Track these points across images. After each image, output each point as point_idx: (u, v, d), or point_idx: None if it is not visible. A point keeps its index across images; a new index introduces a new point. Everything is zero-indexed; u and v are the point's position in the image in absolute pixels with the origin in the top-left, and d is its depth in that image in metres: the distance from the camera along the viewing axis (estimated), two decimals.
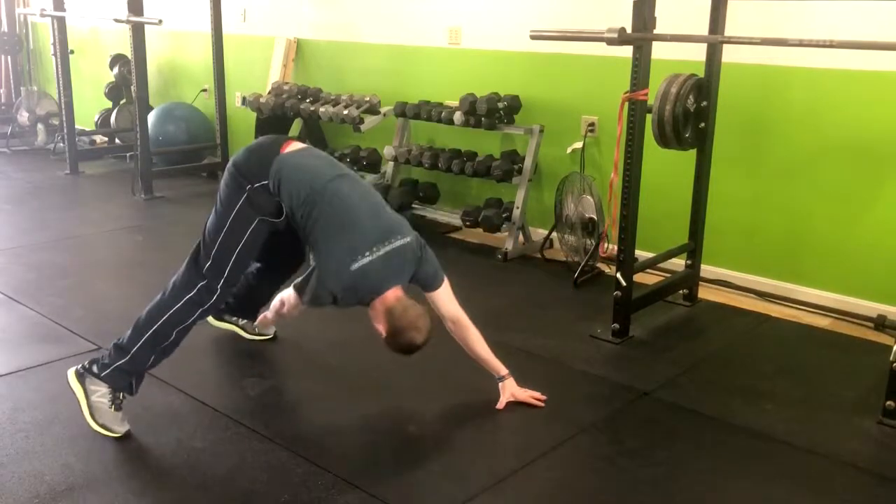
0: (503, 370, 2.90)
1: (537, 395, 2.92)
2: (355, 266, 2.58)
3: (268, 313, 3.17)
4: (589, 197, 4.35)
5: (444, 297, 2.83)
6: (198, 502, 2.34)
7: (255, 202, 2.68)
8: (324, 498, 2.35)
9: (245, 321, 3.39)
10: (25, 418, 2.74)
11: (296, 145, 2.78)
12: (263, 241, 2.76)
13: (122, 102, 7.26)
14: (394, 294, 2.65)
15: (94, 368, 2.66)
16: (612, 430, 2.80)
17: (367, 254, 2.59)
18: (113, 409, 2.64)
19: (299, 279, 2.84)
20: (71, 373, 2.70)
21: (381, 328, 2.67)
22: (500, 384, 2.90)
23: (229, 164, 2.79)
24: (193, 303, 2.69)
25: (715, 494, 2.45)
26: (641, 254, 3.83)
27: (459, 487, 2.39)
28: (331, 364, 3.25)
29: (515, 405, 2.88)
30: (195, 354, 3.16)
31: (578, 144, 4.62)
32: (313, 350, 3.39)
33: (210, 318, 3.34)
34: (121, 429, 2.63)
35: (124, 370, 2.65)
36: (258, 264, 3.13)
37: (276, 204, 2.68)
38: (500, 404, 2.87)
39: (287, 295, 2.93)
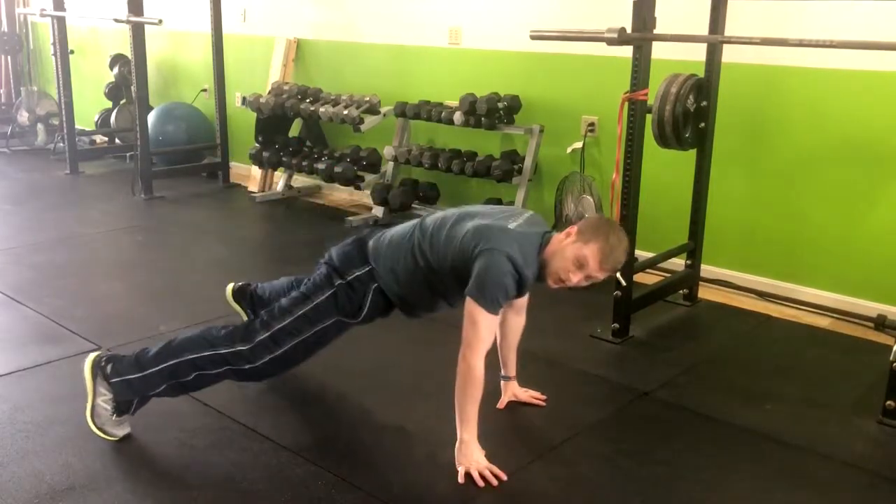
0: (514, 371, 2.90)
1: (538, 394, 2.92)
2: (512, 225, 2.46)
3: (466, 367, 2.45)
4: (589, 197, 4.35)
5: None
6: (198, 502, 2.34)
7: (340, 298, 2.58)
8: (324, 498, 2.35)
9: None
10: (25, 418, 2.74)
11: None
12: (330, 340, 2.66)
13: (122, 102, 7.26)
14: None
15: (108, 369, 2.58)
16: (612, 430, 2.80)
17: (513, 221, 2.49)
18: (114, 417, 2.59)
19: (469, 291, 2.40)
20: (88, 361, 2.59)
21: (571, 237, 2.45)
22: (504, 383, 2.90)
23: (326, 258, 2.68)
24: (224, 360, 2.56)
25: (715, 494, 2.45)
26: (641, 254, 3.83)
27: (460, 487, 2.39)
28: (331, 364, 3.25)
29: (516, 405, 2.89)
30: None
31: (578, 144, 4.62)
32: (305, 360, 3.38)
33: (228, 291, 3.24)
34: (119, 433, 2.60)
35: (132, 385, 2.57)
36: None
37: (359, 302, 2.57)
38: (501, 404, 2.87)
39: (470, 317, 2.40)
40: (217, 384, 2.66)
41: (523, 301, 2.76)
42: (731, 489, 2.48)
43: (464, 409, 2.42)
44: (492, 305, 2.38)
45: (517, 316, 2.80)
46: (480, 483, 2.39)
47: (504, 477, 2.42)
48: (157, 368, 2.56)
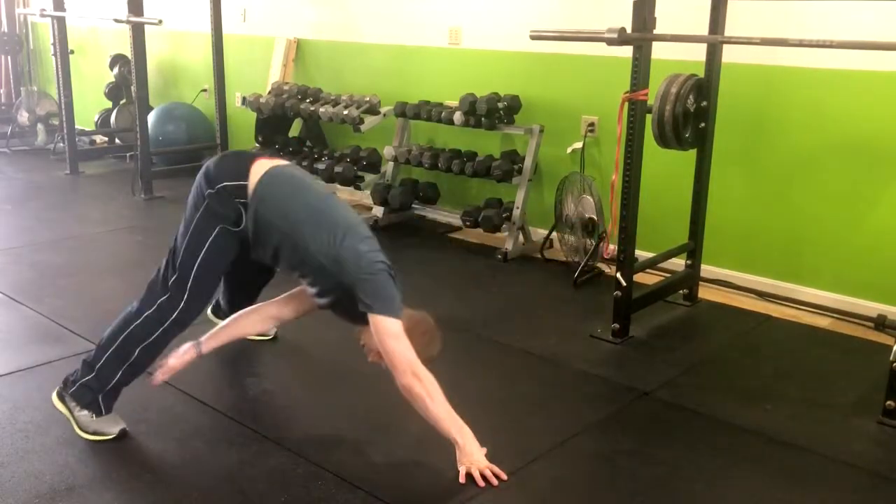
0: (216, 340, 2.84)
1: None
2: (379, 257, 2.55)
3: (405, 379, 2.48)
4: (589, 197, 4.35)
5: None
6: (198, 502, 2.34)
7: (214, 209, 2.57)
8: (324, 498, 2.35)
9: None
10: (25, 418, 2.74)
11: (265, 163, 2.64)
12: (230, 255, 2.64)
13: (121, 102, 7.27)
14: None
15: (67, 384, 2.65)
16: (612, 430, 2.80)
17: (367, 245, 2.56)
18: (95, 417, 2.61)
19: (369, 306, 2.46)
20: (54, 396, 2.68)
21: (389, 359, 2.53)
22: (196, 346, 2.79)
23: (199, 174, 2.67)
24: (153, 320, 2.59)
25: (715, 494, 2.45)
26: (641, 254, 3.83)
27: (460, 487, 2.39)
28: (331, 364, 3.25)
29: (510, 405, 2.88)
30: None
31: (578, 144, 4.62)
32: (313, 350, 3.39)
33: (209, 314, 3.32)
34: (112, 430, 2.61)
35: (90, 387, 2.61)
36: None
37: (236, 211, 2.55)
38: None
39: (386, 332, 2.44)
40: (163, 349, 2.66)
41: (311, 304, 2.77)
42: (731, 489, 2.48)
43: (442, 415, 2.44)
44: (395, 309, 2.45)
45: (300, 306, 2.83)
46: (481, 483, 2.39)
47: (504, 476, 2.42)
48: (103, 361, 2.61)
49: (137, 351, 2.60)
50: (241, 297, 3.12)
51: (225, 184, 2.56)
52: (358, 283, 2.46)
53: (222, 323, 2.89)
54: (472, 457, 2.43)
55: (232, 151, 2.69)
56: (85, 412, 2.61)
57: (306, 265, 2.56)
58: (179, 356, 2.71)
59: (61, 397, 2.66)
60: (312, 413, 2.93)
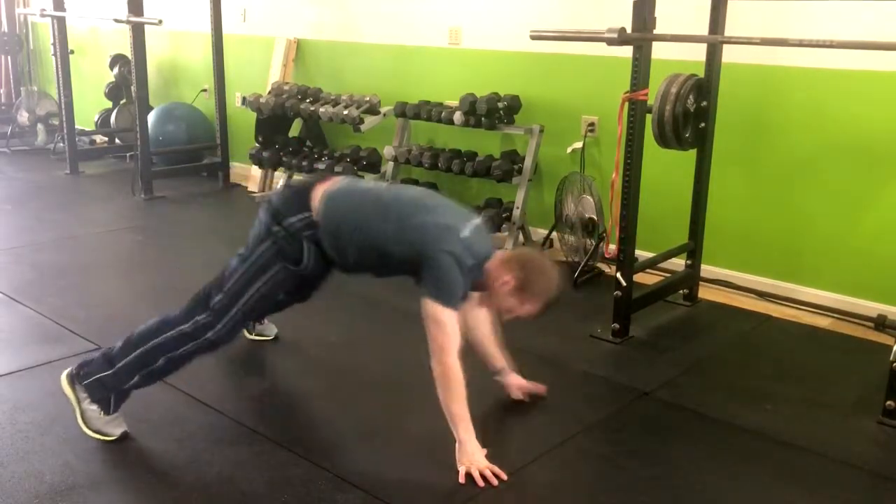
0: (503, 362, 2.88)
1: (535, 385, 2.93)
2: (466, 233, 2.48)
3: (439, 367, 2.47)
4: (589, 197, 4.35)
5: None
6: (198, 502, 2.34)
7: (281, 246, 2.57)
8: (324, 498, 2.34)
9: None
10: (25, 418, 2.74)
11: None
12: (281, 293, 2.67)
13: (122, 102, 7.26)
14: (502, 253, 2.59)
15: (81, 372, 2.61)
16: (612, 430, 2.80)
17: (465, 228, 2.50)
18: (104, 416, 2.60)
19: (426, 292, 2.42)
20: (63, 377, 2.64)
21: (508, 287, 2.50)
22: (505, 378, 2.88)
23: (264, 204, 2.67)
24: (187, 336, 2.58)
25: (715, 494, 2.45)
26: (641, 254, 3.83)
27: (460, 487, 2.39)
28: (331, 364, 3.25)
29: (515, 405, 2.88)
30: None
31: (578, 144, 4.62)
32: (314, 350, 3.39)
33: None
34: (116, 431, 2.60)
35: (104, 383, 2.59)
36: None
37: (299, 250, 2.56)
38: (518, 394, 2.88)
39: (434, 318, 2.41)
40: (186, 364, 2.65)
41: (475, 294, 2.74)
42: (731, 489, 2.47)
43: (454, 410, 2.43)
44: (452, 301, 2.41)
45: (476, 308, 2.78)
46: (480, 483, 2.39)
47: (504, 476, 2.42)
48: (125, 361, 2.58)
49: (162, 360, 2.59)
50: (267, 311, 3.11)
51: (291, 220, 2.55)
52: (422, 260, 2.43)
53: (483, 345, 2.85)
54: (473, 456, 2.43)
55: (292, 185, 2.69)
56: (94, 407, 2.59)
57: (394, 261, 2.52)
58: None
59: (72, 382, 2.62)
60: (312, 413, 2.93)
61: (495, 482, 2.39)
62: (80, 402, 2.61)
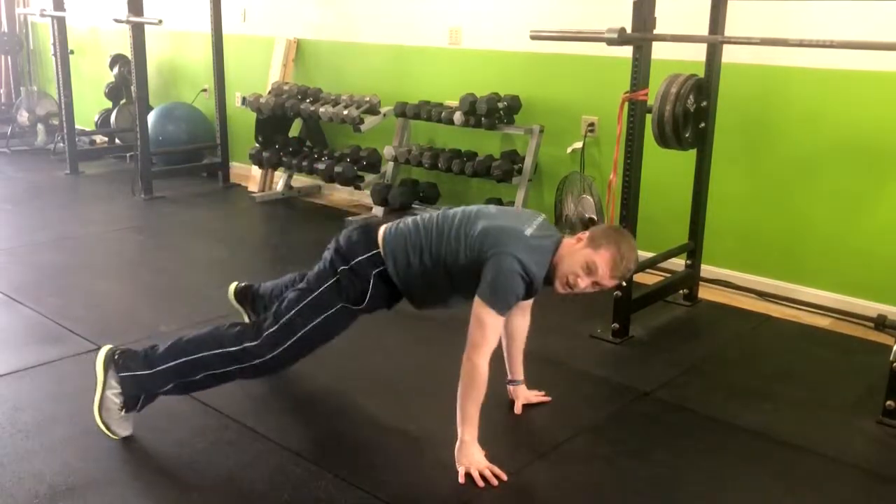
0: (521, 374, 2.91)
1: (542, 394, 2.95)
2: (528, 231, 2.46)
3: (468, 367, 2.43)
4: (589, 197, 4.35)
5: None
6: (198, 502, 2.34)
7: (343, 285, 2.56)
8: (324, 498, 2.34)
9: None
10: (25, 418, 2.73)
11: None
12: (338, 332, 2.65)
13: (122, 102, 7.26)
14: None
15: (120, 363, 2.57)
16: (613, 430, 2.80)
17: (528, 227, 2.48)
18: (122, 412, 2.58)
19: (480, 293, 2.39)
20: (102, 354, 2.58)
21: (582, 243, 2.47)
22: (514, 388, 2.90)
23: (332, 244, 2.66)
24: (233, 358, 2.57)
25: (715, 494, 2.45)
26: (641, 254, 3.80)
27: (460, 487, 2.39)
28: (332, 365, 3.25)
29: (510, 405, 2.88)
30: None
31: (578, 144, 4.62)
32: (315, 352, 3.38)
33: (231, 290, 3.28)
34: (121, 432, 2.59)
35: (140, 382, 2.57)
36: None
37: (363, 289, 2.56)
38: (518, 409, 2.87)
39: (478, 318, 2.39)
40: (224, 384, 2.65)
41: (528, 302, 2.77)
42: (731, 489, 2.47)
43: (466, 410, 2.43)
44: (501, 307, 2.40)
45: (522, 318, 2.81)
46: (480, 483, 2.38)
47: (504, 477, 2.42)
48: (165, 367, 2.57)
49: (202, 375, 2.59)
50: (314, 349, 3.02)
51: (360, 259, 2.56)
52: (485, 262, 2.41)
53: (512, 356, 2.87)
54: (472, 457, 2.43)
55: (358, 226, 2.68)
56: (119, 400, 2.56)
57: (461, 277, 2.50)
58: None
59: (107, 366, 2.56)
60: (312, 413, 2.93)
61: (495, 482, 2.39)
62: (105, 387, 2.56)
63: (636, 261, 2.57)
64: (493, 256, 2.40)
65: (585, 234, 2.51)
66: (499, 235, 2.44)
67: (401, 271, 2.56)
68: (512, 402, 2.89)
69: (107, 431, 2.58)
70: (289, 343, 2.57)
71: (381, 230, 2.63)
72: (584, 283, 2.48)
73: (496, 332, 2.43)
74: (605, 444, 2.71)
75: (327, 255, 2.64)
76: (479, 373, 2.39)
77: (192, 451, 2.58)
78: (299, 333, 2.57)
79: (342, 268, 2.57)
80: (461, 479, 2.40)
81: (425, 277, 2.56)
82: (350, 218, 5.27)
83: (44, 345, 3.33)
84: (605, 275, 2.46)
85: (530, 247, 2.44)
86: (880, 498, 2.47)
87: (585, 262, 2.45)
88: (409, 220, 2.67)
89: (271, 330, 2.57)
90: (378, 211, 5.26)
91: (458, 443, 2.45)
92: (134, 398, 2.58)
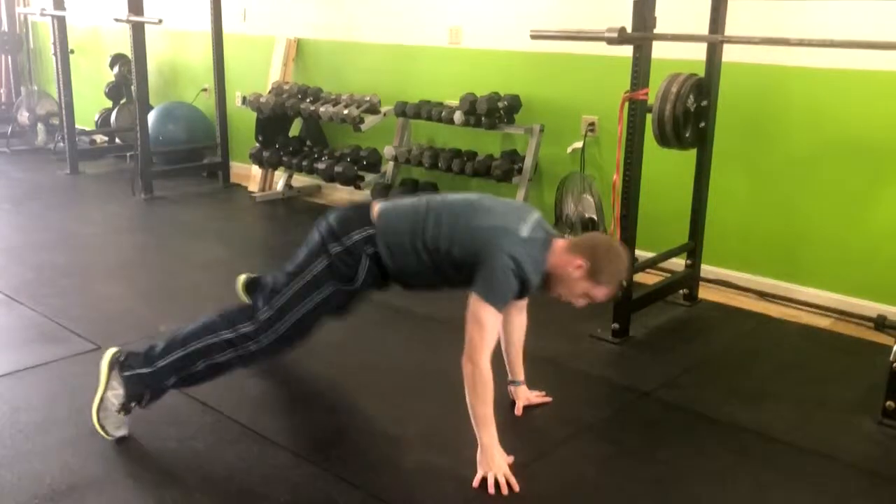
0: (522, 374, 2.90)
1: (542, 394, 2.94)
2: (525, 233, 2.45)
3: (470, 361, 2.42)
4: (589, 196, 4.35)
5: None
6: (198, 503, 2.34)
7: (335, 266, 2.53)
8: (324, 498, 2.34)
9: None
10: (25, 419, 2.73)
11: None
12: (332, 312, 2.63)
13: (122, 102, 7.26)
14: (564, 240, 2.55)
15: (125, 363, 2.59)
16: (613, 430, 2.80)
17: (524, 226, 2.47)
18: (120, 414, 2.58)
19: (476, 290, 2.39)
20: (108, 356, 2.60)
21: (581, 272, 2.46)
22: (515, 388, 2.89)
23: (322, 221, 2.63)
24: (230, 343, 2.56)
25: (715, 494, 2.45)
26: (641, 253, 3.82)
27: (460, 488, 2.39)
28: (331, 365, 3.25)
29: (510, 405, 2.88)
30: None
31: (578, 144, 4.62)
32: (314, 351, 3.38)
33: (240, 281, 3.30)
34: (115, 433, 2.59)
35: (142, 380, 2.57)
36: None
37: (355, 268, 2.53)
38: (518, 410, 2.86)
39: (475, 316, 2.38)
40: (226, 373, 2.64)
41: (524, 301, 2.77)
42: (731, 489, 2.47)
43: (479, 413, 2.40)
44: (498, 303, 2.39)
45: (519, 316, 2.81)
46: (492, 490, 2.36)
47: (517, 488, 2.37)
48: (165, 362, 2.57)
49: (202, 365, 2.58)
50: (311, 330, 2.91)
51: (353, 236, 2.53)
52: (479, 261, 2.41)
53: (511, 355, 2.86)
54: (494, 461, 2.40)
55: (349, 206, 2.69)
56: (117, 401, 2.56)
57: (451, 266, 2.49)
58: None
59: (111, 367, 2.58)
60: (312, 413, 2.92)
61: (505, 491, 2.36)
62: (107, 388, 2.57)
63: (628, 266, 2.59)
64: (488, 254, 2.40)
65: (585, 264, 2.46)
66: (494, 233, 2.44)
67: (394, 251, 2.53)
68: (513, 403, 2.89)
69: (101, 432, 2.58)
70: (284, 327, 2.55)
71: (377, 207, 2.59)
72: (580, 304, 2.56)
73: (495, 329, 2.42)
74: (605, 444, 2.71)
75: (317, 235, 2.60)
76: (482, 373, 2.38)
77: (192, 451, 2.58)
78: (294, 316, 2.55)
79: (335, 248, 2.53)
80: (475, 483, 2.38)
81: (418, 263, 2.53)
82: None
83: (44, 345, 3.32)
84: (601, 298, 2.55)
85: (526, 247, 2.43)
86: (880, 498, 2.47)
87: (585, 293, 2.52)
88: (408, 201, 2.64)
89: (266, 314, 2.56)
90: None
91: (479, 447, 2.42)
92: (137, 396, 2.59)
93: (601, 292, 2.50)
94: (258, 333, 2.56)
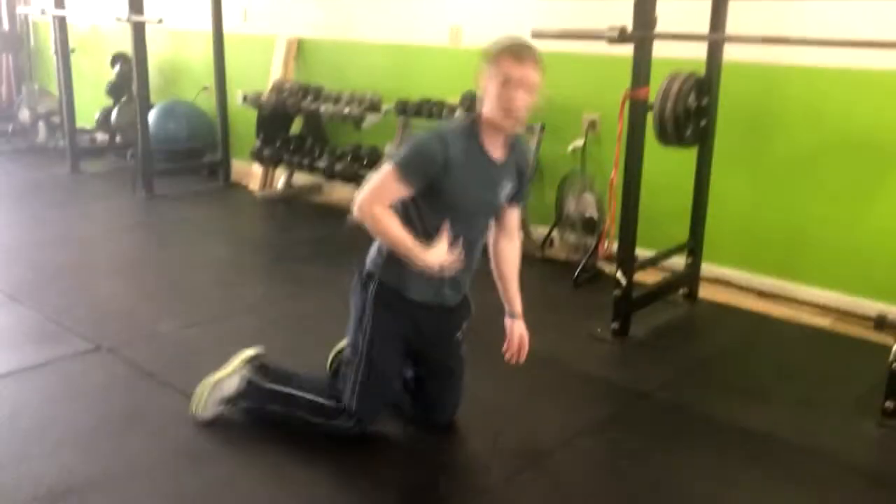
0: (518, 308, 2.75)
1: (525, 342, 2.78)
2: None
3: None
4: (589, 195, 4.34)
5: None
6: (197, 503, 2.34)
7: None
8: (322, 496, 2.35)
9: None
10: (25, 419, 2.73)
11: None
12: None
13: (122, 100, 7.26)
14: None
15: (256, 367, 2.70)
16: (612, 431, 2.80)
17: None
18: (223, 404, 2.67)
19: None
20: (250, 351, 2.73)
21: (483, 77, 2.51)
22: (511, 321, 2.75)
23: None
24: (320, 409, 2.61)
25: (715, 495, 2.45)
26: (642, 252, 3.82)
27: (460, 488, 2.39)
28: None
29: (514, 412, 2.88)
30: (196, 355, 3.16)
31: (579, 142, 4.61)
32: (313, 351, 3.38)
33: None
34: (205, 414, 2.66)
35: (249, 392, 2.68)
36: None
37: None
38: (510, 344, 2.74)
39: (378, 170, 2.43)
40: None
41: (513, 223, 2.67)
42: (730, 489, 2.47)
43: (392, 237, 2.39)
44: (401, 163, 2.37)
45: (508, 241, 2.69)
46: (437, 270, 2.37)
47: (461, 264, 2.41)
48: (271, 388, 2.66)
49: (294, 414, 2.64)
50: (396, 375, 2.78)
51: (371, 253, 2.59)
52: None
53: (504, 283, 2.74)
54: (427, 254, 2.36)
55: None
56: (229, 393, 2.66)
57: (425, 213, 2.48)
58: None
59: (246, 363, 2.70)
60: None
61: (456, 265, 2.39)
62: (234, 373, 2.67)
63: (514, 39, 2.53)
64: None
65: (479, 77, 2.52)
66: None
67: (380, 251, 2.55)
68: (507, 399, 2.86)
69: (198, 404, 2.65)
70: (370, 383, 2.53)
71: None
72: (513, 95, 2.43)
73: (389, 188, 2.38)
74: (604, 444, 2.71)
75: (355, 278, 2.61)
76: (374, 213, 2.37)
77: (192, 452, 2.58)
78: (373, 369, 2.53)
79: (372, 285, 2.54)
80: (434, 267, 2.36)
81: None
82: (351, 216, 5.26)
83: (44, 345, 3.32)
84: (508, 69, 2.43)
85: (442, 126, 2.51)
86: (880, 498, 2.47)
87: (500, 85, 2.43)
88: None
89: (349, 380, 2.56)
90: None
91: (411, 257, 2.38)
92: (238, 399, 2.68)
93: (502, 68, 2.42)
94: (349, 403, 2.58)
